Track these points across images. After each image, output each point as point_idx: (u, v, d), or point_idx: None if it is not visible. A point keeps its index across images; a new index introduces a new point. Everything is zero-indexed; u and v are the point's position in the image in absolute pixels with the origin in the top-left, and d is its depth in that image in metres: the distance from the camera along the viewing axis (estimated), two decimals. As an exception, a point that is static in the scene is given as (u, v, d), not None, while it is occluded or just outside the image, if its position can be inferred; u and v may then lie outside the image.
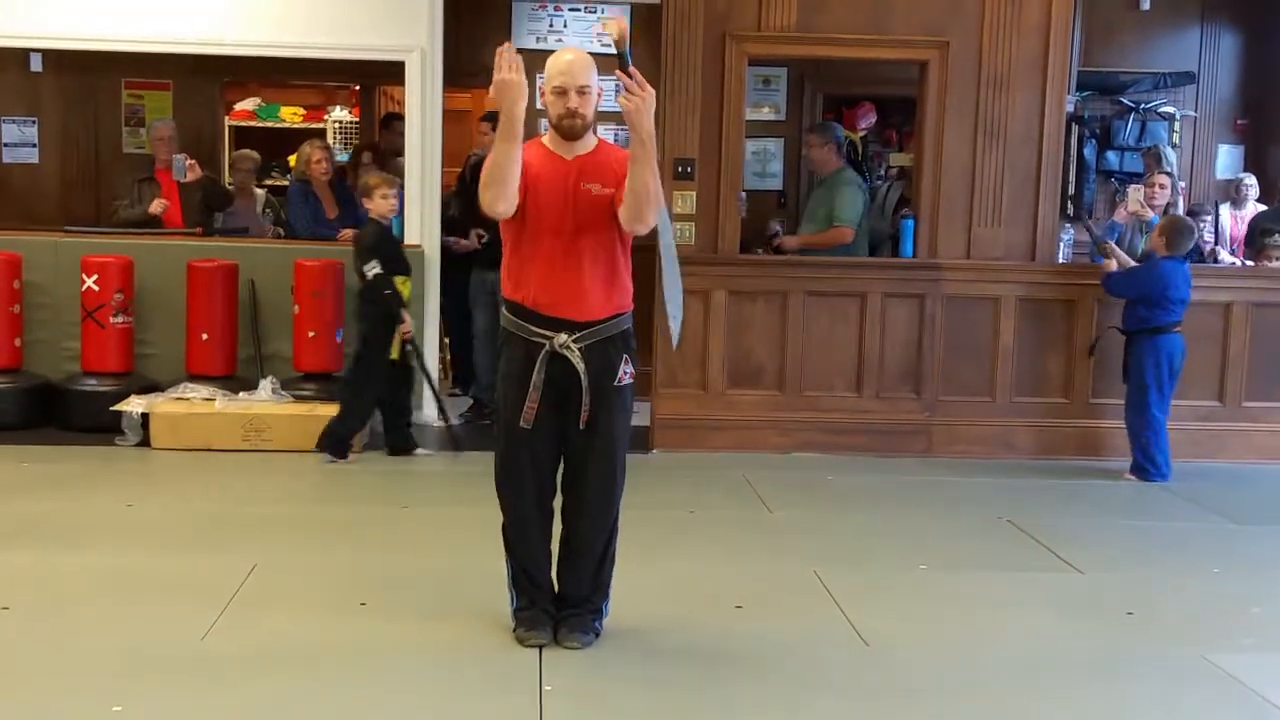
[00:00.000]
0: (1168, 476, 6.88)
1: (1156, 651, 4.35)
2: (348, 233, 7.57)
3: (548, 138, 4.03)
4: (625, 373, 4.02)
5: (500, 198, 3.85)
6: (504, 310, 4.08)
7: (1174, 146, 9.60)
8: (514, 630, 4.13)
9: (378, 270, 6.56)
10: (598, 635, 4.13)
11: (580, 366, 3.92)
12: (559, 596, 4.16)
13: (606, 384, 3.98)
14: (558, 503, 4.18)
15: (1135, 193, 7.58)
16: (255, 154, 8.96)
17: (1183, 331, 6.92)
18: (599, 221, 3.93)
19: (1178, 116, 9.72)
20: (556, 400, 3.98)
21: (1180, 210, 8.40)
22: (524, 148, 3.90)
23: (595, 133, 4.05)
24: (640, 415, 7.58)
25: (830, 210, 7.43)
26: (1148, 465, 6.91)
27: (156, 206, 7.71)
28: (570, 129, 3.93)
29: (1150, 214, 7.54)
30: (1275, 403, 7.51)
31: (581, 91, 3.89)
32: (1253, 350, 7.48)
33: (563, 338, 3.92)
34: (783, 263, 7.53)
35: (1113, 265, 7.08)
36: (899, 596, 4.84)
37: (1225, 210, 9.33)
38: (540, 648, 4.04)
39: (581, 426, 3.98)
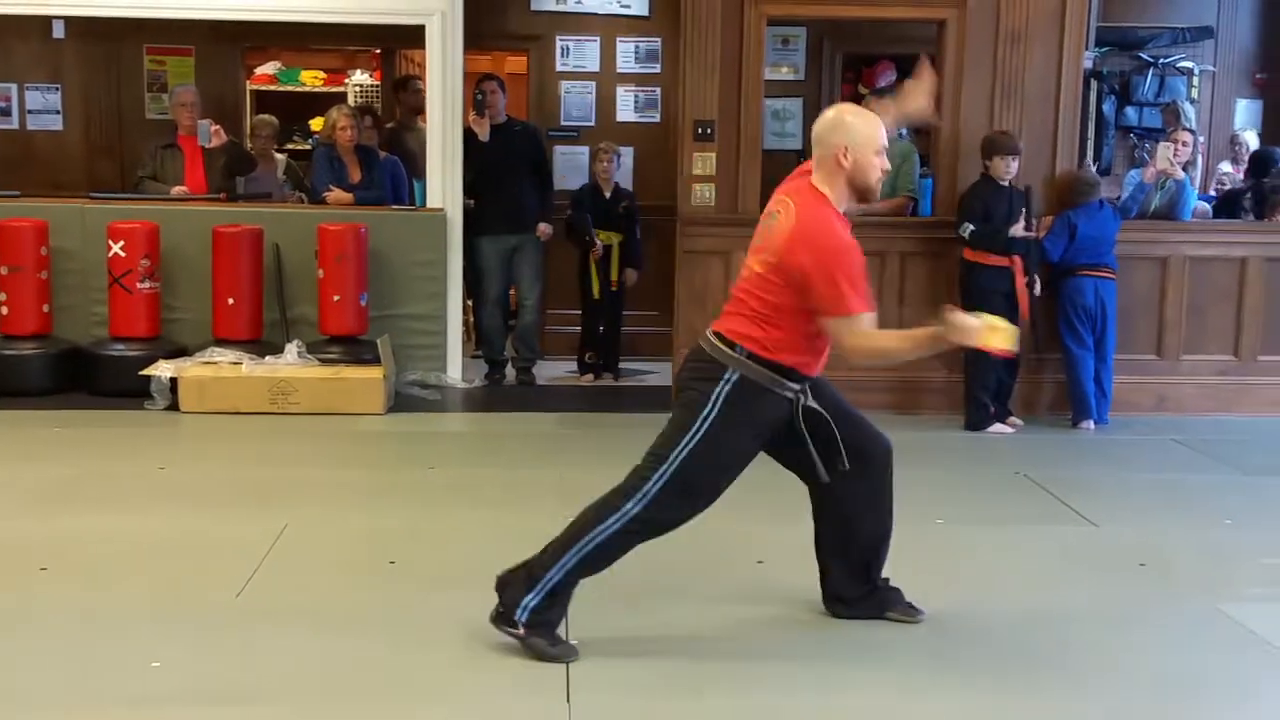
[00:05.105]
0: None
1: (1169, 602, 4.43)
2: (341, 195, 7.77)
3: (835, 196, 3.85)
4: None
5: None
6: None
7: (1192, 101, 9.58)
8: (547, 646, 3.76)
9: None
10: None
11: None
12: None
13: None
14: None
15: (1165, 150, 7.38)
16: (274, 119, 9.02)
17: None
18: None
19: (1196, 71, 9.69)
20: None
21: (1199, 165, 8.38)
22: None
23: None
24: (661, 375, 7.71)
25: (895, 179, 7.40)
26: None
27: (177, 192, 7.80)
28: (876, 192, 3.95)
29: (1180, 173, 7.42)
30: (1289, 357, 7.54)
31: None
32: (1267, 305, 7.50)
33: None
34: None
35: None
36: (917, 550, 4.89)
37: (1227, 166, 9.28)
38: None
39: None
